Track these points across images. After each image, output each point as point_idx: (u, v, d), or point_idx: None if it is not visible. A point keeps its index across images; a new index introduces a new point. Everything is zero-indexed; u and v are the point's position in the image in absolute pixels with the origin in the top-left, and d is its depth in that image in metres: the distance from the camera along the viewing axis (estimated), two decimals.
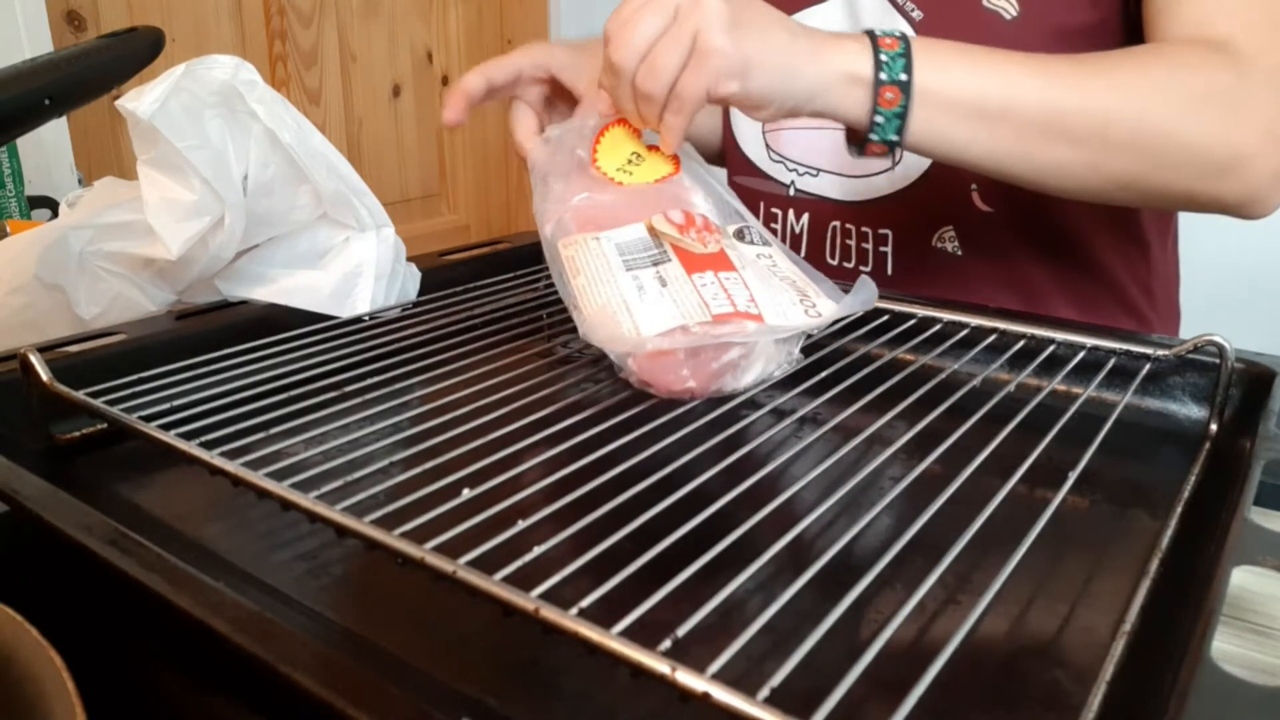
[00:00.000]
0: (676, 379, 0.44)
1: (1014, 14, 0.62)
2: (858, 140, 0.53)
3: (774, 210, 0.76)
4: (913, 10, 0.66)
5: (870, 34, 0.51)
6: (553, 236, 0.51)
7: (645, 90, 0.48)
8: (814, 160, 0.73)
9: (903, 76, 0.50)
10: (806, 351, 0.50)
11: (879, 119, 0.51)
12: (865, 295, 0.48)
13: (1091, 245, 0.69)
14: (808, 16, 0.71)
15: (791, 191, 0.75)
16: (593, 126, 0.53)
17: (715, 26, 0.46)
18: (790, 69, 0.49)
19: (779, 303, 0.46)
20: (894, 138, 0.51)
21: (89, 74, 0.52)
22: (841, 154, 0.75)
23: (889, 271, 0.71)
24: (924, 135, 0.52)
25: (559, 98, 0.61)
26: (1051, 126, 0.52)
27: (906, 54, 0.50)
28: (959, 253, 0.69)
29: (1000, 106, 0.52)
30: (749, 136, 0.77)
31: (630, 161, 0.53)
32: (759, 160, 0.76)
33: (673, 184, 0.53)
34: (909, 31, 0.51)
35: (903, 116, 0.51)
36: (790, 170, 0.74)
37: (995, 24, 0.62)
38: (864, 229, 0.72)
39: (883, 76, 0.50)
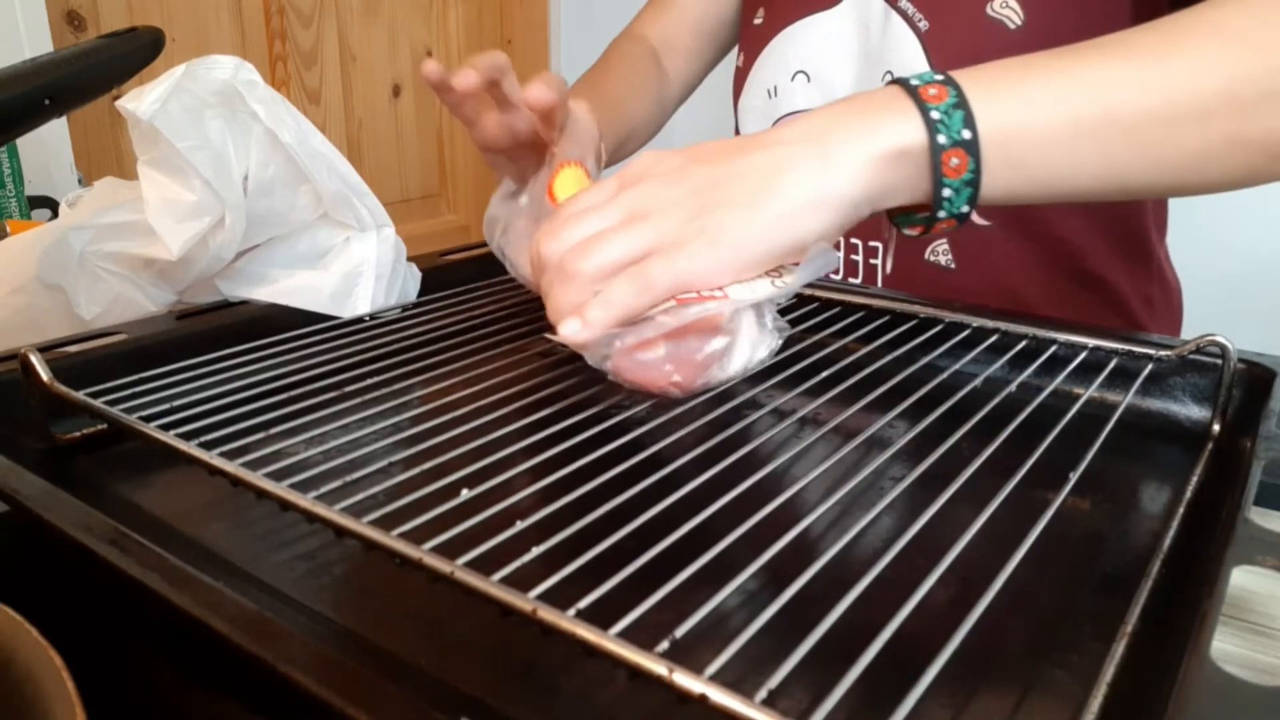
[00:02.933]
0: (660, 375, 0.43)
1: (1019, 22, 0.62)
2: (918, 220, 0.43)
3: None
4: (920, 20, 0.65)
5: (904, 85, 0.41)
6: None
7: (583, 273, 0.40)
8: None
9: (965, 134, 0.40)
10: (807, 352, 0.50)
11: (947, 192, 0.40)
12: (825, 260, 0.41)
13: (1090, 257, 0.69)
14: (815, 22, 0.71)
15: None
16: (544, 179, 0.53)
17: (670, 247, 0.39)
18: (817, 195, 0.39)
19: (748, 284, 0.43)
20: (967, 208, 0.41)
21: (89, 74, 0.52)
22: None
23: (879, 284, 0.71)
24: (1011, 186, 0.42)
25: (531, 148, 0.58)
26: (1168, 113, 0.41)
27: (961, 103, 0.40)
28: (952, 266, 0.69)
29: (1099, 116, 0.41)
30: None
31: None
32: None
33: None
34: (936, 71, 0.42)
35: (975, 181, 0.40)
36: None
37: (1000, 32, 0.62)
38: (854, 240, 0.72)
39: (941, 140, 0.40)
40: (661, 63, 0.83)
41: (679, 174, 0.41)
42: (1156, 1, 0.61)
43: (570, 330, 0.39)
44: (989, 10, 0.63)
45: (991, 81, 0.41)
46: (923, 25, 0.65)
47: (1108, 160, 0.42)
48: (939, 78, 0.41)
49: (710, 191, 0.40)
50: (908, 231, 0.44)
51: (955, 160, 0.40)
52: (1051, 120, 0.41)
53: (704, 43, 0.83)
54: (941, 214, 0.41)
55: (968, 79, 0.41)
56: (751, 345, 0.44)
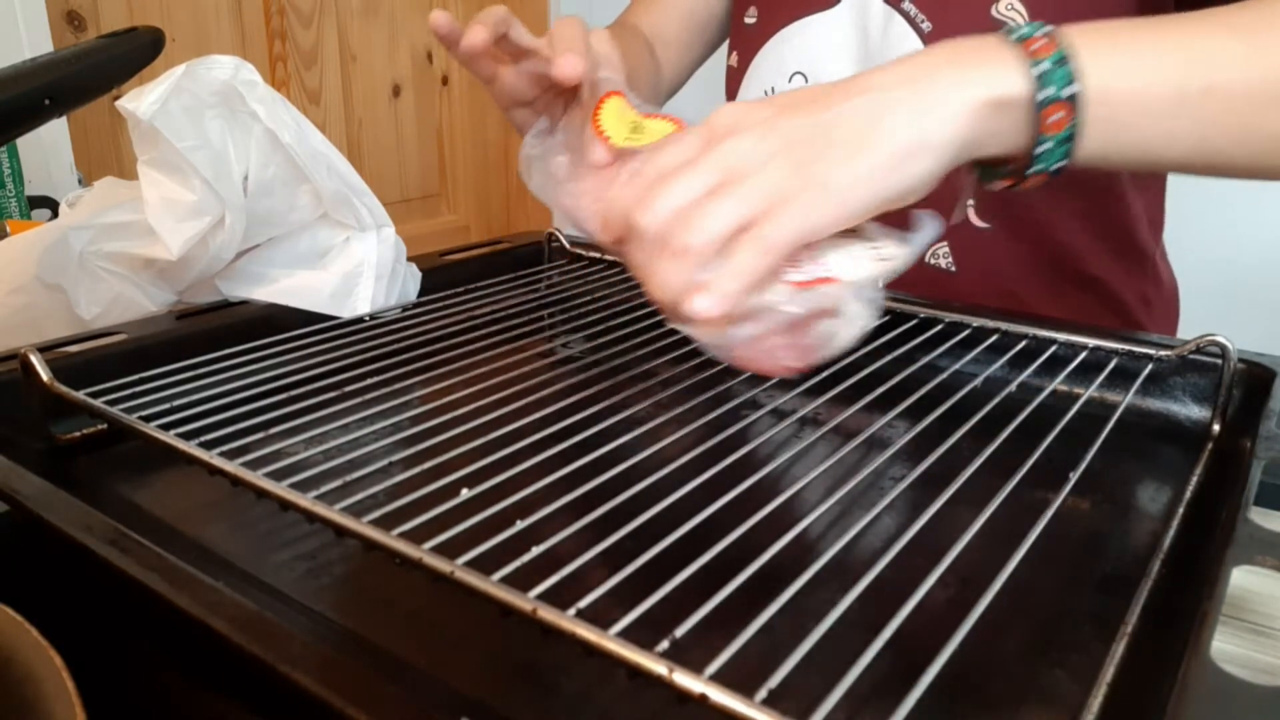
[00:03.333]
0: (780, 359, 0.41)
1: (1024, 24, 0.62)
2: (1006, 172, 0.42)
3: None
4: (922, 21, 0.65)
5: (1005, 36, 0.40)
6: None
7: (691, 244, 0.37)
8: None
9: (1070, 89, 0.39)
10: None
11: (1043, 147, 0.40)
12: (933, 229, 0.41)
13: (1087, 258, 0.69)
14: (812, 23, 0.71)
15: None
16: (579, 115, 0.51)
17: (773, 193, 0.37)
18: (919, 140, 0.38)
19: (847, 252, 0.41)
20: (1061, 164, 0.41)
21: (89, 74, 0.52)
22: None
23: (879, 286, 0.70)
24: (1106, 148, 0.41)
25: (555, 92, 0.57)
26: (1265, 94, 0.40)
27: (1067, 58, 0.39)
28: (953, 269, 0.69)
29: (1202, 89, 0.40)
30: None
31: (634, 130, 0.50)
32: None
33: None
34: (1048, 25, 0.41)
35: (1073, 138, 0.40)
36: None
37: None
38: None
39: (1044, 95, 0.39)
40: (655, 52, 0.83)
41: (771, 126, 0.39)
42: (1161, 7, 0.61)
43: (704, 306, 0.36)
44: (994, 12, 0.62)
45: (1099, 41, 0.41)
46: (925, 26, 0.65)
47: (1201, 134, 0.41)
48: (1045, 30, 0.40)
49: (808, 142, 0.38)
50: (992, 185, 0.43)
51: (1057, 115, 0.39)
52: (1157, 88, 0.40)
53: (694, 36, 0.83)
54: (1035, 169, 0.41)
55: (1075, 35, 0.40)
56: (859, 319, 0.42)
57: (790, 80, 0.72)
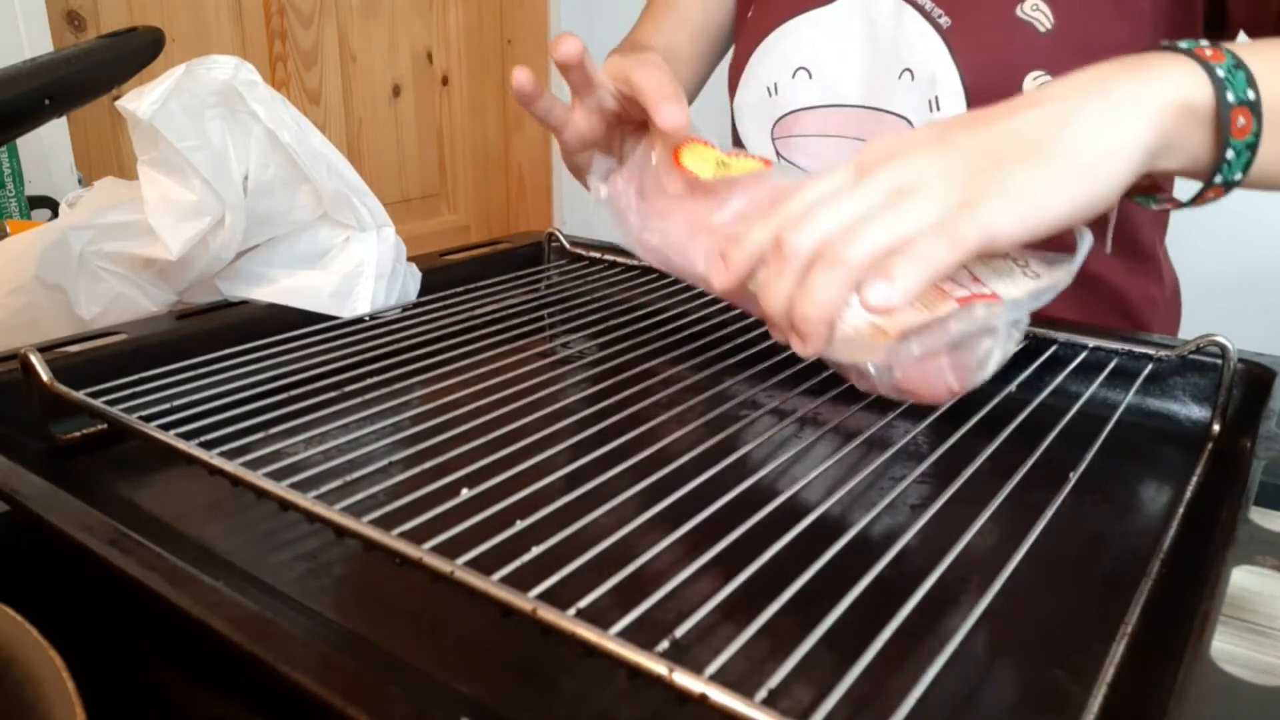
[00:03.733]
0: (942, 382, 0.38)
1: (1049, 26, 0.61)
2: (1160, 198, 0.41)
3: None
4: (939, 16, 0.64)
5: (1173, 48, 0.39)
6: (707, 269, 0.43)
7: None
8: (816, 168, 0.72)
9: (1250, 95, 0.38)
10: None
11: (1230, 154, 0.38)
12: (1087, 245, 0.40)
13: (1092, 258, 0.68)
14: (814, 17, 0.70)
15: None
16: (645, 151, 0.50)
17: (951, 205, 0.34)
18: (1109, 146, 0.36)
19: (996, 269, 0.40)
20: (1241, 175, 0.39)
21: (89, 74, 0.52)
22: (843, 160, 0.73)
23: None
24: (1266, 157, 0.39)
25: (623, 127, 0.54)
26: None
27: (1241, 65, 0.38)
28: None
29: None
30: (757, 142, 0.76)
31: (721, 166, 0.49)
32: None
33: (782, 172, 0.48)
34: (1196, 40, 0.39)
35: (1255, 146, 0.39)
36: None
37: (1029, 34, 0.61)
38: None
39: (1230, 98, 0.37)
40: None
41: (942, 144, 0.37)
42: (1188, 15, 0.60)
43: (882, 295, 0.33)
44: (1019, 11, 0.61)
45: (1262, 53, 0.39)
46: (944, 22, 0.64)
47: None
48: (1206, 42, 0.39)
49: (988, 154, 0.36)
50: (1153, 206, 0.42)
51: (1242, 120, 0.38)
52: None
53: (706, 49, 0.82)
54: (1219, 179, 0.39)
55: (1237, 48, 0.39)
56: (1013, 339, 0.41)
57: (794, 76, 0.72)
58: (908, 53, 0.66)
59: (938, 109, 0.64)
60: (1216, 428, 0.46)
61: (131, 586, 0.29)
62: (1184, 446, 0.46)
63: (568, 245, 0.70)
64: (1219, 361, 0.47)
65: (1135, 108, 0.37)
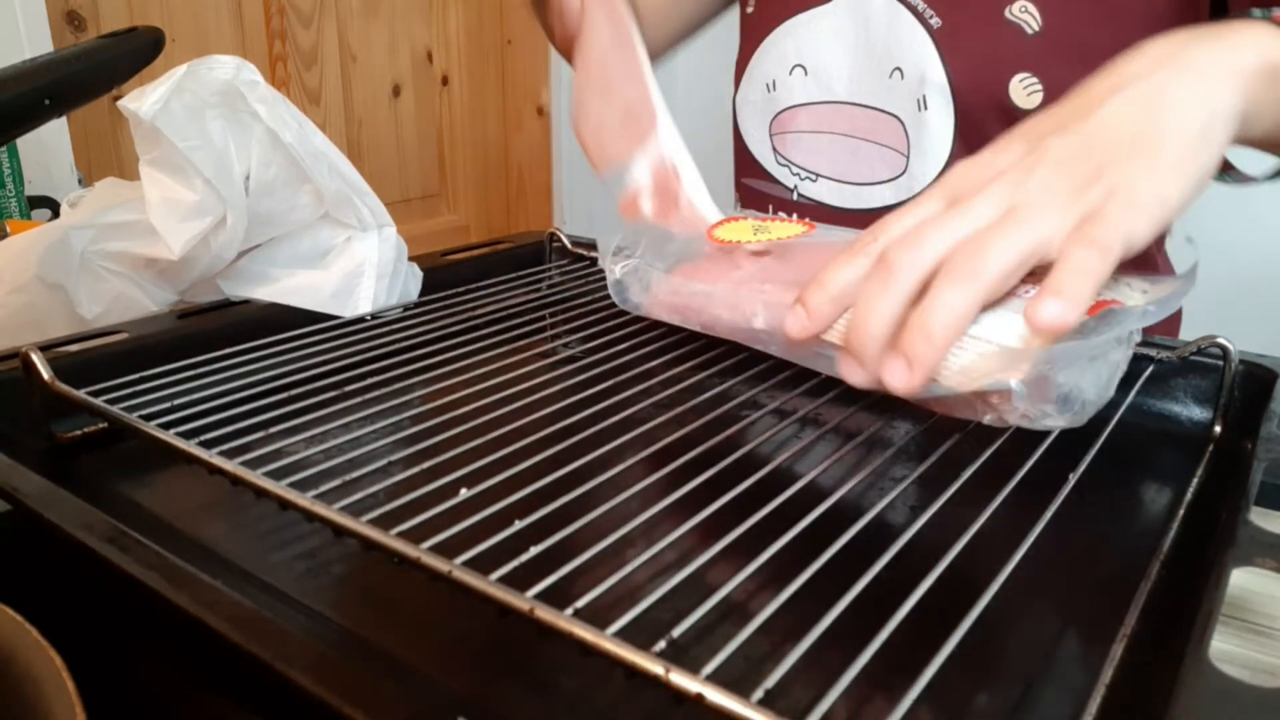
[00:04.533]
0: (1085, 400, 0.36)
1: (1036, 28, 0.61)
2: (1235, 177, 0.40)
3: (780, 215, 0.75)
4: (930, 16, 0.65)
5: (1247, 16, 0.38)
6: (767, 325, 0.42)
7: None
8: (813, 165, 0.73)
9: None
10: None
11: None
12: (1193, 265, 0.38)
13: None
14: (812, 17, 0.71)
15: (795, 196, 0.74)
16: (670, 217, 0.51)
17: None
18: (1206, 117, 0.35)
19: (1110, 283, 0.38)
20: None
21: (89, 74, 0.52)
22: (840, 158, 0.72)
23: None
24: None
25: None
26: None
27: None
28: None
29: None
30: (757, 138, 0.76)
31: (758, 232, 0.49)
32: (766, 162, 0.76)
33: (827, 231, 0.48)
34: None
35: None
36: (794, 174, 0.74)
37: (1017, 37, 0.62)
38: None
39: None
40: (638, 13, 0.80)
41: (1035, 156, 0.35)
42: (1179, 16, 0.60)
43: (1052, 313, 0.30)
44: (1008, 13, 0.62)
45: None
46: (934, 22, 0.64)
47: None
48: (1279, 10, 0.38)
49: (1087, 158, 0.34)
50: (1228, 182, 0.40)
51: None
52: None
53: (671, 8, 0.80)
54: None
55: None
56: (1130, 348, 0.40)
57: (790, 73, 0.73)
58: (899, 52, 0.66)
59: (925, 108, 0.65)
60: (1217, 429, 0.46)
61: (131, 585, 0.29)
62: (1185, 448, 0.46)
63: (569, 245, 0.70)
64: (1220, 363, 0.46)
65: (1221, 73, 0.35)
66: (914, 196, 0.65)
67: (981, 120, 0.64)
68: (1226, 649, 0.32)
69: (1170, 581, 0.33)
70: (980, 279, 0.32)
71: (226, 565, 0.36)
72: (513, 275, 0.66)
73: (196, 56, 0.54)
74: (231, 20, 1.42)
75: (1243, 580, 0.30)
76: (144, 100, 0.52)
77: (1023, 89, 0.61)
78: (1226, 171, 0.43)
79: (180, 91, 0.53)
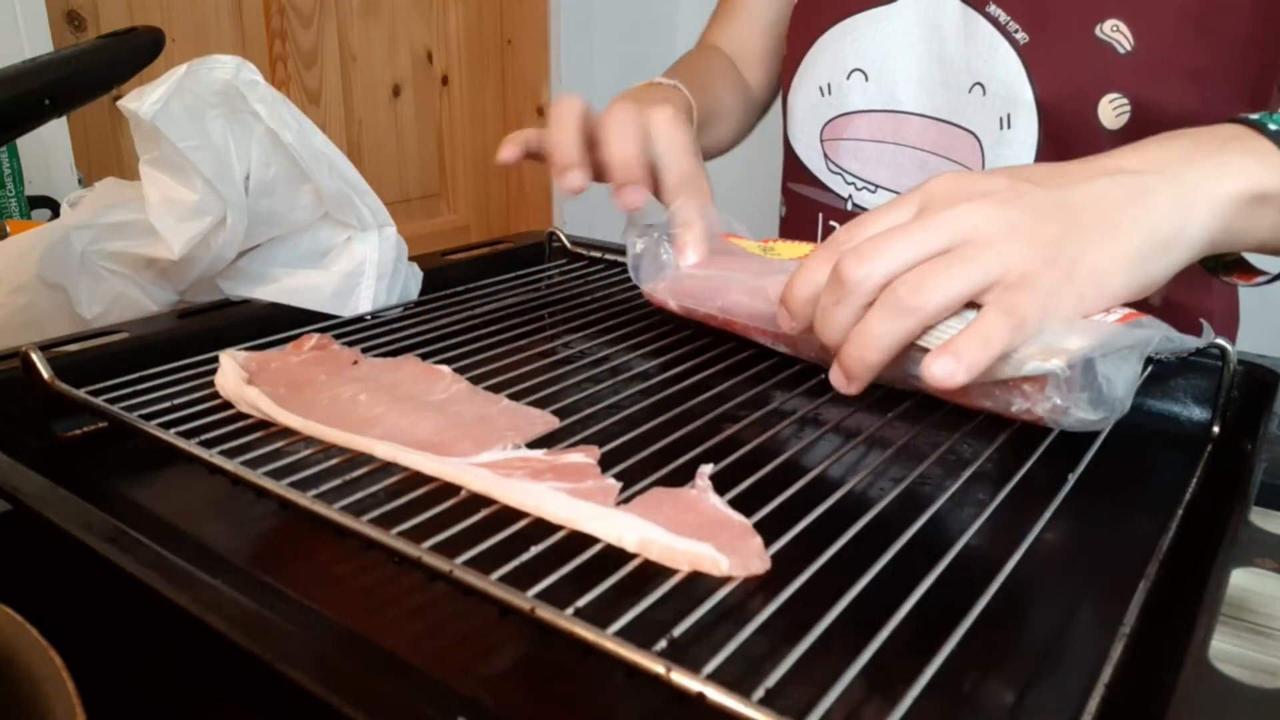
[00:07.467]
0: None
1: (1129, 48, 0.59)
2: (1229, 263, 0.41)
3: (832, 223, 0.73)
4: (1016, 31, 0.62)
5: (1254, 125, 0.39)
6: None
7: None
8: (872, 175, 0.70)
9: None
10: None
11: None
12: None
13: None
14: (873, 18, 0.68)
15: (849, 205, 0.72)
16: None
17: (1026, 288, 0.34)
18: (1172, 232, 0.36)
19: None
20: None
21: (89, 74, 0.52)
22: (907, 170, 0.70)
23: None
24: None
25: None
26: None
27: None
28: None
29: None
30: (806, 144, 0.74)
31: (765, 250, 0.51)
32: (817, 170, 0.74)
33: None
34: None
35: None
36: (848, 184, 0.72)
37: (1108, 56, 0.60)
38: None
39: None
40: (740, 71, 0.80)
41: (1009, 195, 0.36)
42: (1273, 38, 0.59)
43: (945, 371, 0.33)
44: (1098, 31, 0.60)
45: None
46: (1021, 38, 0.62)
47: None
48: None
49: (1054, 219, 0.36)
50: (1229, 280, 0.43)
51: None
52: None
53: (777, 44, 0.80)
54: None
55: None
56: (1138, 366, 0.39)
57: (849, 77, 0.70)
58: (979, 66, 0.64)
59: (1009, 126, 0.63)
60: (1217, 429, 0.46)
61: (131, 584, 0.29)
62: (1184, 448, 0.46)
63: (569, 245, 0.70)
64: (1219, 363, 0.46)
65: (1200, 198, 0.37)
66: None
67: (1066, 140, 0.62)
68: (1226, 649, 0.32)
69: (1170, 581, 0.33)
70: (915, 315, 0.35)
71: (226, 565, 0.36)
72: (513, 275, 0.66)
73: (196, 56, 0.54)
74: (231, 20, 1.42)
75: (1243, 580, 0.30)
76: (144, 100, 0.52)
77: (1112, 109, 0.60)
78: (1246, 276, 0.43)
79: (180, 91, 0.53)
